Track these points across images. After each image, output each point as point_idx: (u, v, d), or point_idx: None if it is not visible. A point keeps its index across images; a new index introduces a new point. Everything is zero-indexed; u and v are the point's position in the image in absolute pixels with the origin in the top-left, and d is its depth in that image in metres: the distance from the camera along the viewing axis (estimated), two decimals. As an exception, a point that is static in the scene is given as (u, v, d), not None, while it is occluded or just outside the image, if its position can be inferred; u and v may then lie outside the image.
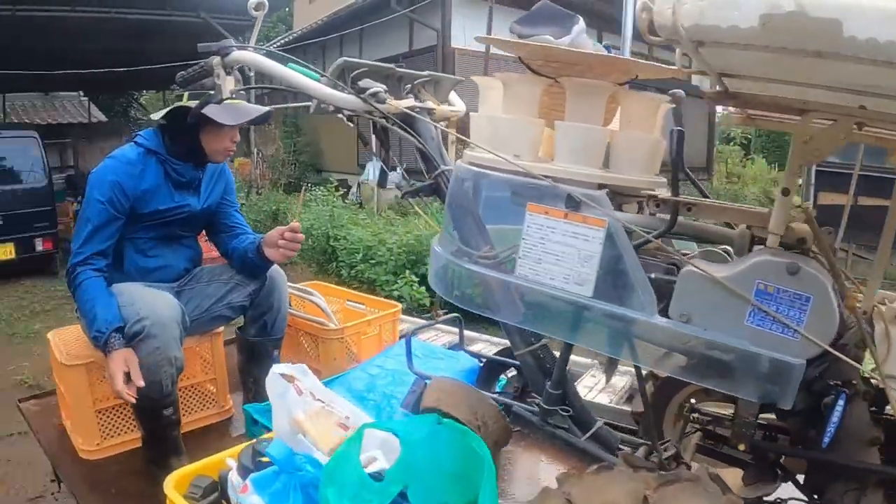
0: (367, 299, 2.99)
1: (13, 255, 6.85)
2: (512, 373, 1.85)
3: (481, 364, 1.95)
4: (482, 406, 1.45)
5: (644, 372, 1.36)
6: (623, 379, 2.70)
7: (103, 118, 14.99)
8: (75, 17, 6.87)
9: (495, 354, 1.91)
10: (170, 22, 7.85)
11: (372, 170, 9.26)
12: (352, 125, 1.80)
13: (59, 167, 10.96)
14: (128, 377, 1.77)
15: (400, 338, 2.61)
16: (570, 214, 1.08)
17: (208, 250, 2.42)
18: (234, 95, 1.83)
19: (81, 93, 14.94)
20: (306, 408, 1.38)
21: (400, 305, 2.86)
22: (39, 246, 7.04)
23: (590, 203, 1.05)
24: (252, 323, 2.26)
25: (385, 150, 1.86)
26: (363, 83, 1.69)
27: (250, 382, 2.31)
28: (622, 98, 1.23)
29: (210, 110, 1.88)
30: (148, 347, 1.81)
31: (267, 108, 2.08)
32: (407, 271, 4.96)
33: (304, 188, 6.58)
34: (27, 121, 12.25)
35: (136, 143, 2.07)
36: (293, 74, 1.70)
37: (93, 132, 10.94)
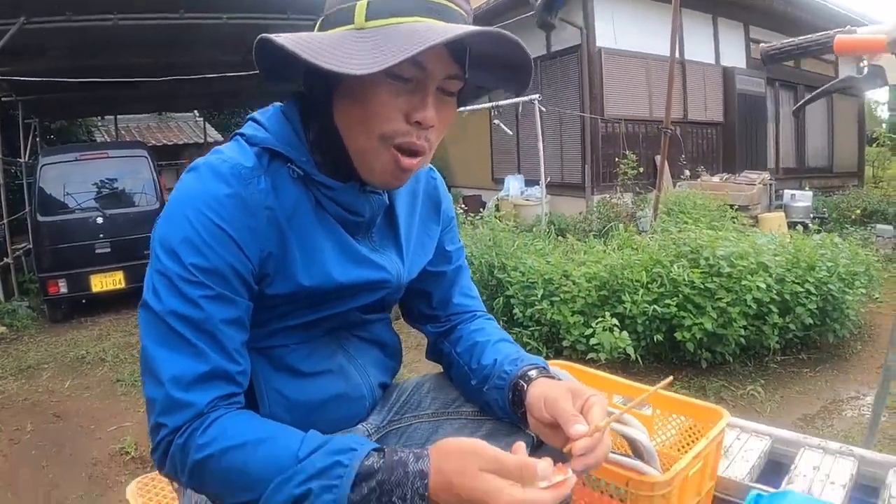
0: (651, 394, 1.65)
1: (123, 285, 6.11)
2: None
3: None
4: None
5: None
6: None
7: (220, 137, 14.75)
8: (182, 24, 6.11)
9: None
10: (290, 27, 7.05)
11: (513, 184, 8.03)
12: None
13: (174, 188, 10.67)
14: None
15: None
16: None
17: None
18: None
19: (196, 112, 14.79)
20: None
21: (726, 414, 1.53)
22: (151, 274, 6.29)
23: None
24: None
25: None
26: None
27: None
28: None
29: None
30: None
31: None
32: (604, 311, 3.63)
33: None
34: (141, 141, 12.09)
35: (244, 137, 0.92)
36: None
37: (209, 152, 10.50)
